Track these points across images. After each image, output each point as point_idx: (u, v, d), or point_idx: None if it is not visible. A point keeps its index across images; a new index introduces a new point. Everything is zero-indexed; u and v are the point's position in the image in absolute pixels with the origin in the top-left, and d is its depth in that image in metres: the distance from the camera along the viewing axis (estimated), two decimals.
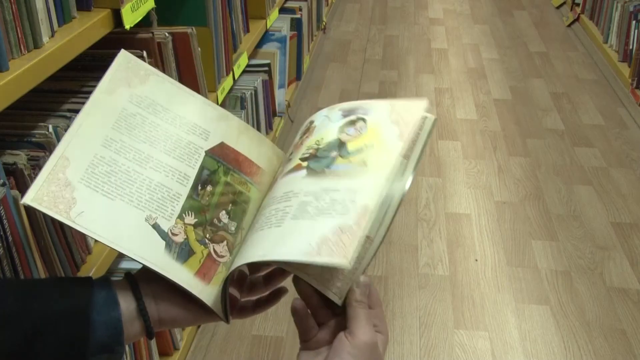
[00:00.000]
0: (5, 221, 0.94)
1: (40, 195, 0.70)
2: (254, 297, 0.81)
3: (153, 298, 0.73)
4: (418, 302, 2.17)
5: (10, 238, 0.96)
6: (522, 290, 2.22)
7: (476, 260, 2.36)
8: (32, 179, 1.03)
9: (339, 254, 0.64)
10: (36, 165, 1.05)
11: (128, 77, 0.81)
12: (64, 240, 1.13)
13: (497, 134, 3.20)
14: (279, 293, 0.82)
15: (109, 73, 0.79)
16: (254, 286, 0.82)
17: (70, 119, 1.16)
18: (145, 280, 0.73)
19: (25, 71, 1.00)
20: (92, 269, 1.21)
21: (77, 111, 1.17)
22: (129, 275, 0.74)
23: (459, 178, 2.84)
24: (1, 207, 0.93)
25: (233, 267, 0.73)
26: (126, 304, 0.71)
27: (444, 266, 2.32)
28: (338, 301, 0.68)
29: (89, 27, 1.20)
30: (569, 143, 3.13)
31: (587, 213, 2.61)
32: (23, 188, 1.02)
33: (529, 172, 2.89)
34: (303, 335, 0.70)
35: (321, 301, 0.69)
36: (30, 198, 0.70)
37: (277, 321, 2.05)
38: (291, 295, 0.77)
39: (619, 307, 2.15)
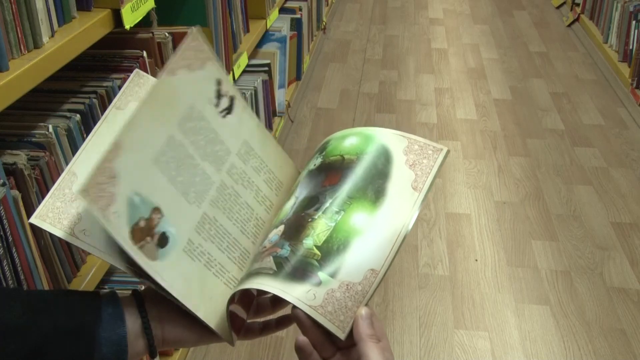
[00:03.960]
0: (5, 221, 0.94)
1: (44, 211, 0.71)
2: (261, 319, 0.80)
3: (158, 317, 0.73)
4: (418, 302, 2.16)
5: (10, 238, 0.96)
6: (522, 290, 2.22)
7: (476, 260, 2.36)
8: (32, 179, 1.03)
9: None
10: (36, 165, 1.05)
11: (139, 93, 0.81)
12: (64, 240, 1.12)
13: (497, 134, 3.20)
14: (289, 319, 0.80)
15: (122, 90, 0.80)
16: (261, 308, 0.81)
17: (70, 119, 1.16)
18: (152, 299, 0.73)
19: (25, 71, 1.00)
20: (92, 269, 1.21)
21: (77, 111, 1.18)
22: (136, 292, 0.74)
23: (459, 178, 2.84)
24: (1, 207, 0.93)
25: (236, 289, 0.71)
26: (131, 321, 0.71)
27: (444, 266, 2.32)
28: (341, 335, 0.66)
29: (89, 27, 1.20)
30: (569, 143, 3.13)
31: (587, 213, 2.61)
32: (23, 188, 1.02)
33: (529, 172, 2.89)
34: None
35: (323, 334, 0.67)
36: (34, 215, 0.71)
37: None
38: None
39: (619, 307, 2.15)
